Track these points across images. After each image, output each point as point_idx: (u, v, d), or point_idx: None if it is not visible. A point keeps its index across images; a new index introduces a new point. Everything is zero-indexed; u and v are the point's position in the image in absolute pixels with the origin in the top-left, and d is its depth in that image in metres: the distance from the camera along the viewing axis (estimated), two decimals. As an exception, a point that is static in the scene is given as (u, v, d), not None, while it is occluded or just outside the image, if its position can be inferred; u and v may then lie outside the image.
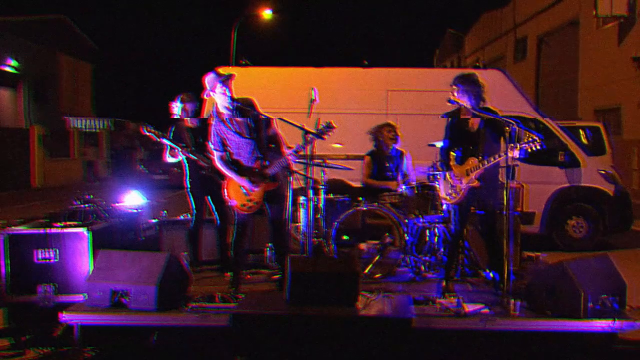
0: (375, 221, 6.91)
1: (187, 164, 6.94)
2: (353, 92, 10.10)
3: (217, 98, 5.85)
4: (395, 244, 6.76)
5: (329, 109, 9.19)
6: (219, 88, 5.78)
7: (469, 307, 5.27)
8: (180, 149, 6.76)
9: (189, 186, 6.95)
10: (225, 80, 5.80)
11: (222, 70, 6.01)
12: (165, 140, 6.76)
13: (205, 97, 5.96)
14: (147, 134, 6.69)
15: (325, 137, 5.83)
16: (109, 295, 5.32)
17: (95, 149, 30.10)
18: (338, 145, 5.89)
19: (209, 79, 5.83)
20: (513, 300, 5.24)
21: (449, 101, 5.83)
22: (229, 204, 6.02)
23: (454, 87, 5.83)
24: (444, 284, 6.07)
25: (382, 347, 4.79)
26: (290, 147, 6.45)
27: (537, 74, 27.62)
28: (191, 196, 6.96)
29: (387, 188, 7.45)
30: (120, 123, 35.27)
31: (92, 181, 25.15)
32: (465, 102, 5.77)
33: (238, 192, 5.95)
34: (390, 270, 6.68)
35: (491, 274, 6.14)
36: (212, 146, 6.00)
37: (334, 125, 5.79)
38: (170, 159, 6.95)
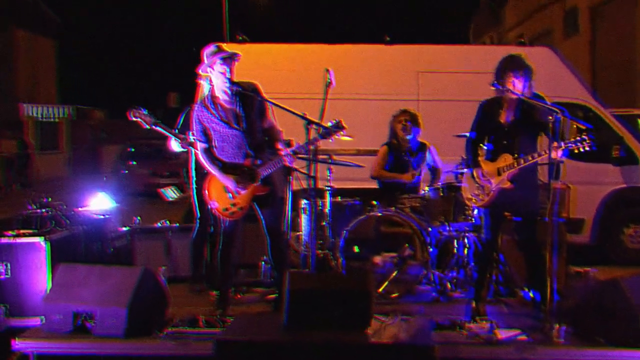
0: (392, 229, 6.91)
1: (193, 158, 6.94)
2: (376, 74, 10.01)
3: (215, 78, 5.90)
4: (416, 257, 6.76)
5: (346, 95, 9.20)
6: (218, 66, 5.82)
7: (502, 334, 5.27)
8: (180, 141, 6.74)
9: (194, 185, 6.97)
10: (227, 59, 5.82)
11: (226, 46, 6.01)
12: (158, 129, 6.68)
13: (200, 72, 5.98)
14: (136, 119, 6.60)
15: (332, 139, 5.82)
16: (70, 318, 5.34)
17: (15, 143, 28.96)
18: (347, 138, 5.89)
19: (208, 52, 5.87)
20: (557, 324, 5.24)
21: (493, 85, 5.83)
22: (209, 206, 6.06)
23: (509, 72, 5.80)
24: (473, 305, 6.07)
25: (398, 381, 4.79)
26: (289, 143, 6.46)
27: (591, 52, 27.49)
28: (195, 198, 6.98)
29: (400, 181, 7.47)
30: (83, 111, 35.19)
31: (11, 184, 24.33)
32: (518, 88, 5.77)
33: (221, 193, 5.98)
34: (410, 289, 6.69)
35: (530, 293, 6.14)
36: (194, 136, 6.03)
37: (344, 125, 5.78)
38: (176, 148, 6.88)
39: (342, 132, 5.80)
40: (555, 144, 5.42)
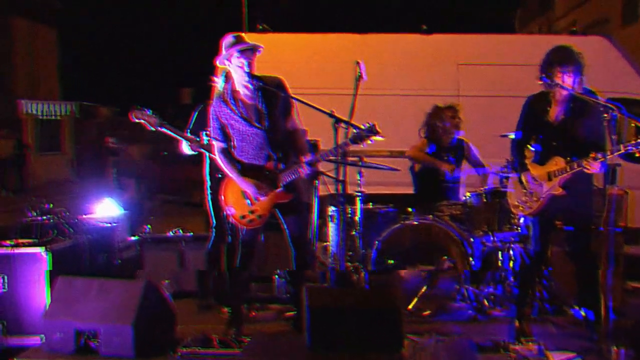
0: (429, 239, 6.89)
1: (208, 161, 6.97)
2: (412, 66, 9.99)
3: (233, 72, 5.89)
4: (457, 270, 6.73)
5: (379, 90, 9.19)
6: (235, 59, 5.81)
7: (555, 357, 5.24)
8: (190, 143, 6.75)
9: (208, 191, 7.01)
10: (247, 52, 5.79)
11: (246, 36, 6.01)
12: (165, 130, 6.69)
13: (218, 64, 5.99)
14: (139, 121, 6.63)
15: (365, 144, 5.78)
16: (72, 336, 5.39)
17: (12, 143, 27.73)
18: (379, 138, 5.87)
19: (226, 42, 5.86)
20: (615, 346, 5.19)
21: (541, 79, 5.80)
22: (225, 212, 6.06)
23: (557, 66, 5.77)
24: (516, 324, 6.05)
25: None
26: (315, 144, 6.45)
27: (652, 41, 27.26)
28: (210, 204, 7.00)
29: (439, 170, 7.52)
30: (87, 108, 35.21)
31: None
32: (567, 83, 5.74)
33: (238, 198, 5.97)
34: (443, 306, 6.68)
35: (582, 312, 6.09)
36: (210, 134, 6.03)
37: (378, 129, 5.71)
38: (187, 151, 6.90)
39: (375, 137, 5.75)
40: (611, 149, 5.37)
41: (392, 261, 6.88)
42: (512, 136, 6.21)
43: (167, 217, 15.16)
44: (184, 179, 18.39)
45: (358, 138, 5.69)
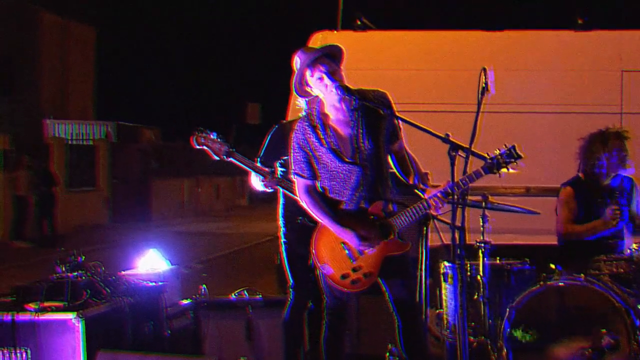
0: (582, 307, 6.77)
1: (283, 201, 7.02)
2: (558, 74, 9.82)
3: (319, 92, 5.85)
4: (622, 349, 6.58)
5: (512, 105, 9.10)
6: (310, 78, 5.79)
7: None
8: (264, 178, 6.77)
9: (284, 240, 7.05)
10: (318, 61, 5.76)
11: (320, 38, 6.01)
12: (234, 160, 6.76)
13: (296, 93, 5.97)
14: (202, 147, 6.70)
15: (503, 171, 5.72)
16: None
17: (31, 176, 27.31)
18: (512, 171, 5.79)
19: (295, 63, 5.86)
20: None
21: None
22: (321, 271, 5.96)
23: None
24: None
25: None
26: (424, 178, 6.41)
27: None
28: (287, 258, 7.04)
29: (604, 234, 7.32)
30: (127, 130, 35.63)
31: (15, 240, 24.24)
32: None
33: (336, 252, 5.88)
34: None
35: None
36: (292, 169, 6.00)
37: (519, 152, 5.67)
38: (259, 187, 6.95)
39: (517, 164, 5.69)
40: None
41: (530, 335, 6.78)
42: None
43: (228, 275, 15.31)
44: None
45: (494, 166, 5.67)
